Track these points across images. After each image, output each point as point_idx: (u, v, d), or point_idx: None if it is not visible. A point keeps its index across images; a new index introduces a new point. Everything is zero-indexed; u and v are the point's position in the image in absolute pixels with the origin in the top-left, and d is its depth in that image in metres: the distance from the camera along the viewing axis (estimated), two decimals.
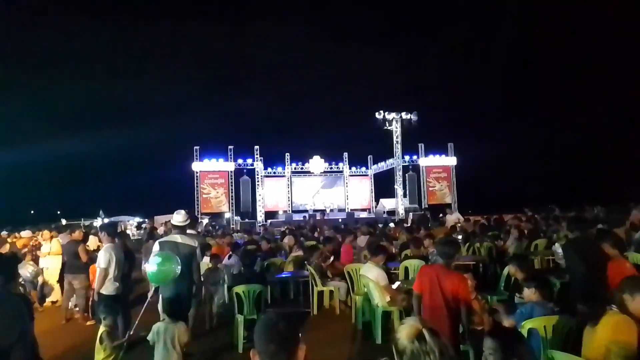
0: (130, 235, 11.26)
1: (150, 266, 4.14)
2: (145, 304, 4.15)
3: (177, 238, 4.56)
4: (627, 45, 47.77)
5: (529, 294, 3.53)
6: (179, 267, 4.13)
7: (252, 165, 24.87)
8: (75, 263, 6.58)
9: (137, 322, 4.02)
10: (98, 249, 7.23)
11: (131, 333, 4.01)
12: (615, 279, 3.29)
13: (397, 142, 24.39)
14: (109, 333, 3.86)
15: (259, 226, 21.87)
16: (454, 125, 53.76)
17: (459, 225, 11.49)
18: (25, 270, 7.15)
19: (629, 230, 6.84)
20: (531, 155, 54.38)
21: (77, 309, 6.79)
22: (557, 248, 6.43)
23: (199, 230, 12.97)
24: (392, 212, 25.59)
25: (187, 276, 4.40)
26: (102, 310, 4.06)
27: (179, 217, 4.70)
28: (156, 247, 4.51)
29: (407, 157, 25.47)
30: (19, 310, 2.82)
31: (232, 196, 24.22)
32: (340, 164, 27.69)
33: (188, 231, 4.93)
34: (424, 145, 25.96)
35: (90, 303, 6.39)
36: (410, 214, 22.06)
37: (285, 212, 26.03)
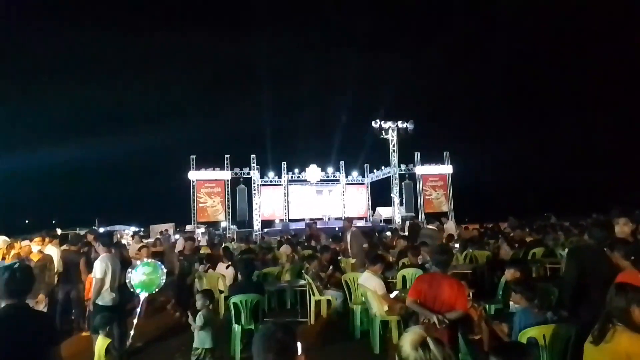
0: (126, 244, 11.18)
1: (138, 275, 4.74)
2: (136, 315, 4.13)
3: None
4: (623, 50, 48.40)
5: (517, 298, 3.54)
6: (164, 277, 5.16)
7: (248, 174, 24.78)
8: (77, 273, 6.58)
9: (132, 331, 3.99)
10: None
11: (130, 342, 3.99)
12: None
13: (393, 150, 24.47)
14: (113, 344, 3.82)
15: (256, 235, 21.79)
16: (450, 133, 54.13)
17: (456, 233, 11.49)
18: None
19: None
20: (527, 163, 54.70)
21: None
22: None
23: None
24: (388, 221, 25.57)
25: None
26: (99, 320, 4.02)
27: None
28: None
29: (403, 166, 25.52)
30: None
31: (228, 205, 24.13)
32: (337, 173, 27.70)
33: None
34: (420, 153, 26.04)
35: (86, 314, 6.34)
36: (407, 222, 22.05)
37: (281, 220, 25.94)
